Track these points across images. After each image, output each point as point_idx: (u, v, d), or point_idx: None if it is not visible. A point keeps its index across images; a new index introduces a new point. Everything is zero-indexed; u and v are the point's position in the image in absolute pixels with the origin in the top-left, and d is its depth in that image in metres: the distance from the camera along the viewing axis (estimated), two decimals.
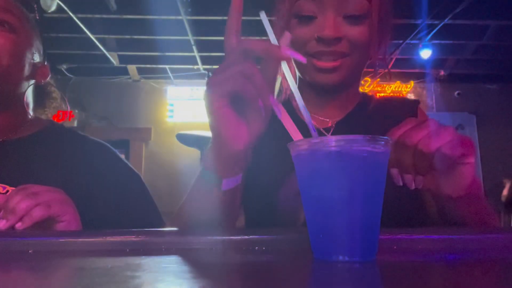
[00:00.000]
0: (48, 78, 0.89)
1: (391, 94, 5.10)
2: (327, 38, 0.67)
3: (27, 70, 0.83)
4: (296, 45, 0.71)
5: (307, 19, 0.70)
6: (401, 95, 5.10)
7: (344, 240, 0.38)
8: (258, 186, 0.71)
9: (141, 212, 0.85)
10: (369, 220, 0.39)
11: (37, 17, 0.88)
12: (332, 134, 0.76)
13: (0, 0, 0.79)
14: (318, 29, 0.68)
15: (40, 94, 0.92)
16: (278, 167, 0.64)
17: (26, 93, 0.85)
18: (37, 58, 0.86)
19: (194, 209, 0.58)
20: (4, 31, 0.78)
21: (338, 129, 0.77)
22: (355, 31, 0.69)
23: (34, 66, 0.85)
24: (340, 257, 0.38)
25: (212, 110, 0.47)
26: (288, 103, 0.78)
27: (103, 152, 0.89)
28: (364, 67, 0.78)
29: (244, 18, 0.51)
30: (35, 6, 0.88)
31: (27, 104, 0.86)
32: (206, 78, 0.59)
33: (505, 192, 4.08)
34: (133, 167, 0.91)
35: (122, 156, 0.93)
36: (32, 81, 0.86)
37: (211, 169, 0.53)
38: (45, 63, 0.89)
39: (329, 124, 0.77)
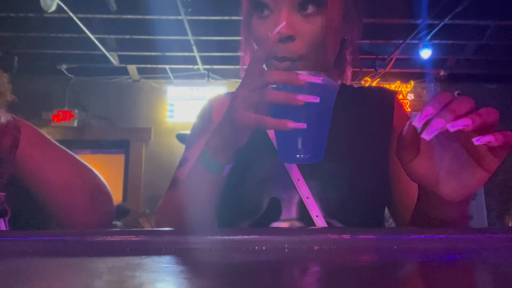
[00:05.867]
0: None
1: None
2: (279, 36, 0.62)
3: None
4: (257, 43, 0.70)
5: (263, 12, 0.67)
6: (401, 95, 5.10)
7: (302, 143, 0.56)
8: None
9: None
10: (320, 130, 0.57)
11: None
12: None
13: None
14: (272, 27, 0.64)
15: None
16: (241, 155, 0.65)
17: None
18: None
19: (192, 192, 0.66)
20: None
21: None
22: (310, 26, 0.65)
23: None
24: (297, 156, 0.56)
25: (238, 119, 0.56)
26: None
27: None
28: (326, 62, 0.71)
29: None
30: None
31: None
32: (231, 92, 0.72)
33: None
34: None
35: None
36: None
37: (218, 158, 0.62)
38: None
39: None
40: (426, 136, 0.45)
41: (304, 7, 0.65)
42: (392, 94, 0.82)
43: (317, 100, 0.53)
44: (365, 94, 0.83)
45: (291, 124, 0.53)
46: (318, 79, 0.54)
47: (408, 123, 0.49)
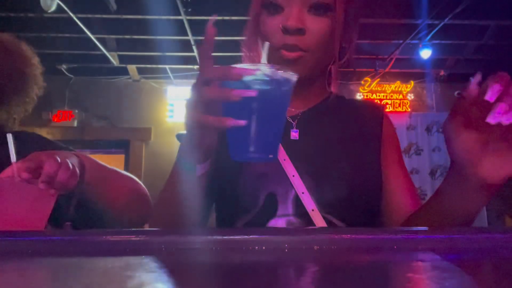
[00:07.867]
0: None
1: (391, 94, 5.10)
2: (290, 28, 0.69)
3: None
4: (265, 38, 0.73)
5: (275, 10, 0.72)
6: (401, 95, 5.10)
7: (253, 141, 0.54)
8: (219, 172, 0.72)
9: None
10: (271, 127, 0.55)
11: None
12: (298, 122, 0.79)
13: None
14: (283, 20, 0.70)
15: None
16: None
17: None
18: None
19: (174, 193, 0.68)
20: None
21: (304, 118, 0.80)
22: (319, 24, 0.71)
23: None
24: (247, 154, 0.54)
25: (194, 120, 0.56)
26: None
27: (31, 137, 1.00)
28: (329, 63, 0.79)
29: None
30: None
31: None
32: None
33: None
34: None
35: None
36: None
37: (187, 158, 0.63)
38: None
39: (295, 113, 0.80)
40: (492, 119, 0.49)
41: (314, 8, 0.71)
42: (380, 108, 0.87)
43: (254, 94, 0.51)
44: (356, 106, 0.87)
45: (230, 122, 0.52)
46: (254, 72, 0.52)
47: (465, 93, 0.52)
